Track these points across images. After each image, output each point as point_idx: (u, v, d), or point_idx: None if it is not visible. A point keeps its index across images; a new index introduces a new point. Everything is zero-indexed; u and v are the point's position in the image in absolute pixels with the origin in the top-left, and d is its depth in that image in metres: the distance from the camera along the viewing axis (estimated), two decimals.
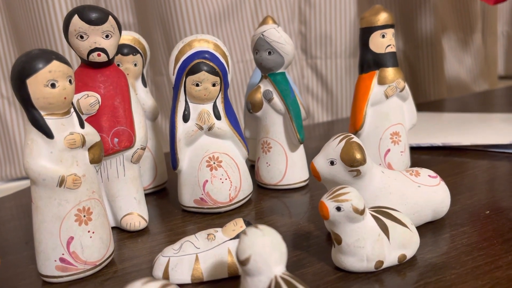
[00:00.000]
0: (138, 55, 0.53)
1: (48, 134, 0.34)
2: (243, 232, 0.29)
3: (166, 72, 0.85)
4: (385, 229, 0.35)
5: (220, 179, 0.48)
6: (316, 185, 0.55)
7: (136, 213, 0.46)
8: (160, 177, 0.57)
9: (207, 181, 0.48)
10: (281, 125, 0.52)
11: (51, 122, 0.35)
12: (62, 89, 0.34)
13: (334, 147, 0.39)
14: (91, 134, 0.37)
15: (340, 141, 0.39)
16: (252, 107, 0.53)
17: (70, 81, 0.35)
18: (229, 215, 0.48)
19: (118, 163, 0.45)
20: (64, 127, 0.35)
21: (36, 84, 0.33)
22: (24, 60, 0.33)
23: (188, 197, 0.49)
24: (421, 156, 0.62)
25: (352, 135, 0.39)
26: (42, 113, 0.34)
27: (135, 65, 0.53)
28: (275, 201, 0.52)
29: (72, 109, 0.37)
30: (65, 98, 0.35)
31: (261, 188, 0.55)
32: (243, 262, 0.28)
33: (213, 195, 0.48)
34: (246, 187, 0.50)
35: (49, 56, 0.34)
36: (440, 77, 1.04)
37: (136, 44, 0.53)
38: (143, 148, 0.46)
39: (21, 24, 0.77)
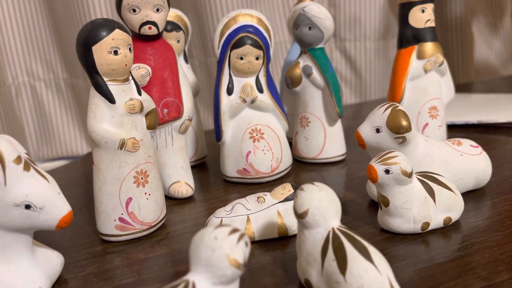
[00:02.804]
0: (181, 32, 0.55)
1: (110, 99, 0.36)
2: (300, 188, 0.31)
3: (197, 53, 0.87)
4: (431, 192, 0.37)
5: (263, 150, 0.49)
6: (353, 159, 0.56)
7: (184, 181, 0.48)
8: (201, 152, 0.59)
9: (250, 152, 0.49)
10: (320, 99, 0.54)
11: (113, 88, 0.37)
12: (123, 56, 0.36)
13: (380, 115, 0.40)
14: (147, 101, 0.39)
15: (386, 109, 0.40)
16: (292, 82, 0.54)
17: (130, 49, 0.37)
18: (271, 185, 0.50)
19: (166, 133, 0.47)
20: (125, 93, 0.37)
21: (100, 51, 0.35)
22: (90, 28, 0.35)
23: (231, 167, 0.50)
24: (456, 133, 0.62)
25: (397, 104, 0.40)
26: (105, 79, 0.36)
27: (178, 41, 0.55)
28: (313, 174, 0.53)
29: (131, 77, 0.39)
30: (126, 65, 0.37)
31: (298, 162, 0.57)
32: (301, 215, 0.30)
33: (256, 165, 0.49)
34: (286, 159, 0.51)
35: (112, 24, 0.36)
36: (469, 60, 1.04)
37: (179, 21, 0.55)
38: (190, 119, 0.48)
39: (58, 9, 0.79)
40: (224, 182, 0.52)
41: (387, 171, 0.35)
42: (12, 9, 0.77)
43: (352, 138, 0.57)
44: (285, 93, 0.60)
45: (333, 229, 0.30)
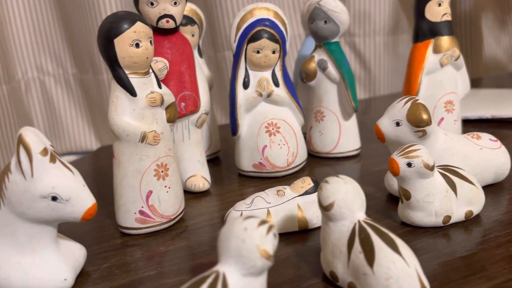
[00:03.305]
0: (196, 25, 0.55)
1: (131, 92, 0.36)
2: (325, 180, 0.31)
3: (206, 49, 0.86)
4: (452, 186, 0.37)
5: (279, 144, 0.49)
6: (367, 154, 0.56)
7: (200, 175, 0.48)
8: (214, 146, 0.59)
9: (266, 146, 0.49)
10: (335, 94, 0.53)
11: (134, 81, 0.37)
12: (145, 49, 0.36)
13: (399, 108, 0.40)
14: (167, 94, 0.39)
15: (406, 102, 0.40)
16: (306, 76, 0.54)
17: (151, 42, 0.37)
18: (286, 179, 0.50)
19: (183, 127, 0.47)
20: (145, 86, 0.37)
21: (122, 44, 0.35)
22: (112, 21, 0.35)
23: (247, 162, 0.50)
24: (470, 128, 0.62)
25: (417, 97, 0.40)
26: (126, 71, 0.36)
27: (193, 35, 0.55)
28: (328, 169, 0.53)
29: (151, 70, 0.39)
30: (147, 57, 0.37)
31: (312, 157, 0.57)
32: (326, 208, 0.30)
33: (272, 159, 0.49)
34: (302, 153, 0.51)
35: (133, 17, 0.36)
36: (477, 56, 1.03)
37: (194, 15, 0.55)
38: (207, 113, 0.48)
39: (68, 4, 0.79)
40: (238, 177, 0.52)
41: (409, 164, 0.35)
42: (22, 5, 0.77)
43: (364, 133, 0.57)
44: (299, 88, 0.60)
45: (359, 221, 0.30)
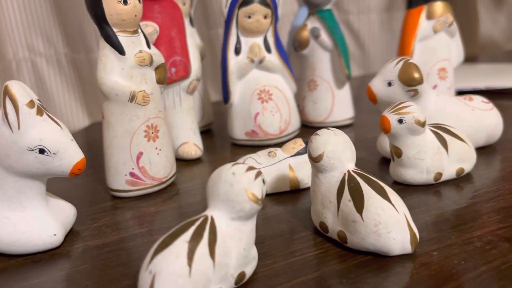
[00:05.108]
0: None
1: (120, 50, 0.36)
2: (315, 133, 0.31)
3: (199, 27, 0.85)
4: (444, 143, 0.36)
5: (271, 111, 0.49)
6: (361, 124, 0.56)
7: (192, 142, 0.48)
8: (207, 118, 0.58)
9: (258, 113, 0.49)
10: (328, 62, 0.53)
11: (122, 39, 0.36)
12: (133, 6, 0.36)
13: (391, 68, 0.39)
14: (157, 55, 0.39)
15: (398, 62, 0.39)
16: (299, 44, 0.54)
17: (139, 0, 0.36)
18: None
19: (175, 93, 0.47)
20: (134, 44, 0.37)
21: (110, 0, 0.35)
22: None
23: (239, 130, 0.50)
24: None
25: (409, 57, 0.40)
26: (115, 29, 0.36)
27: (184, 4, 0.54)
28: None
29: (140, 30, 0.38)
30: (135, 15, 0.36)
31: (306, 127, 0.56)
32: (316, 159, 0.30)
33: (264, 127, 0.49)
34: (294, 121, 0.51)
35: None
36: (473, 35, 1.03)
37: None
38: (198, 80, 0.47)
39: None
40: (231, 146, 0.52)
41: (400, 121, 0.35)
42: None
43: (357, 106, 0.57)
44: (292, 58, 0.60)
45: (348, 171, 0.29)
